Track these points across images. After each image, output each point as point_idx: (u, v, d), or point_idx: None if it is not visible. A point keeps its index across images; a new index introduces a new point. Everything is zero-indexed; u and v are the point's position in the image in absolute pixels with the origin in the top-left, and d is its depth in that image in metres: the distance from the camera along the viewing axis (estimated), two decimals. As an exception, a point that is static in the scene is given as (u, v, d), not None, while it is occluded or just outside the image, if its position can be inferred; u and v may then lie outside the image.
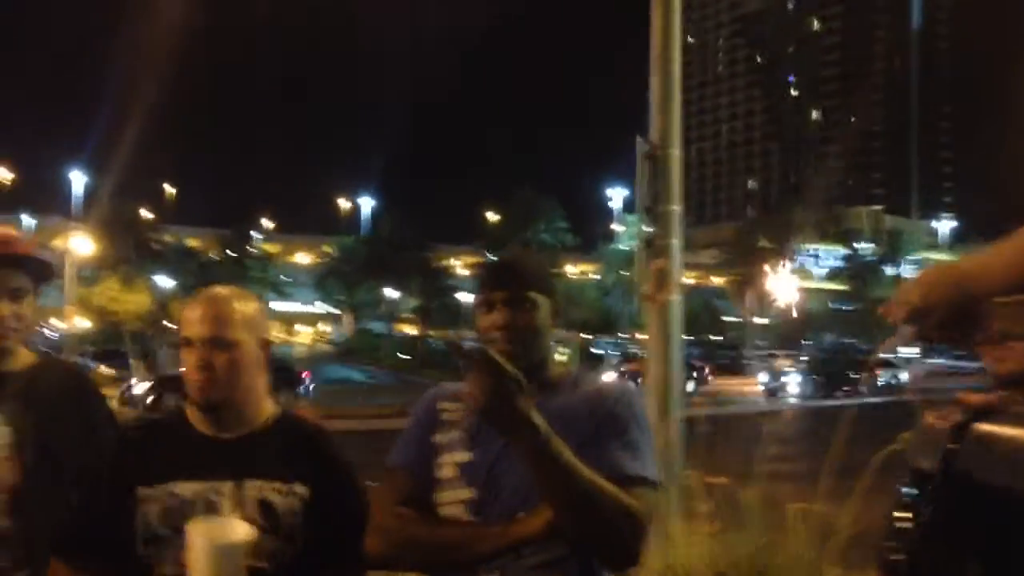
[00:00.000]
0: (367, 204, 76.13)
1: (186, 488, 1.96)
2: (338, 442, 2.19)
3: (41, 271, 2.35)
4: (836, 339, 57.72)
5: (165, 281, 48.36)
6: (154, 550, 1.93)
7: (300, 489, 2.01)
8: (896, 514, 1.48)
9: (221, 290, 2.12)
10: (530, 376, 1.98)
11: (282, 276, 63.61)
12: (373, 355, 53.64)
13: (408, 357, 52.81)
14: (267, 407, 2.12)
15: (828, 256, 73.45)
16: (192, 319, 2.02)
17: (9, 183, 63.17)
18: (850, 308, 59.57)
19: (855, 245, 71.70)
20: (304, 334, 72.47)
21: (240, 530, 1.83)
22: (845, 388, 32.43)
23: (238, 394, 2.03)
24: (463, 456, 1.96)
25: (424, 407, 2.08)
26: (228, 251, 58.75)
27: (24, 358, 2.34)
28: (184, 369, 2.02)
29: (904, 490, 1.52)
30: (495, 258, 2.20)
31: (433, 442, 2.00)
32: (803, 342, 54.61)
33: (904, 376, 34.73)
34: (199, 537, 1.78)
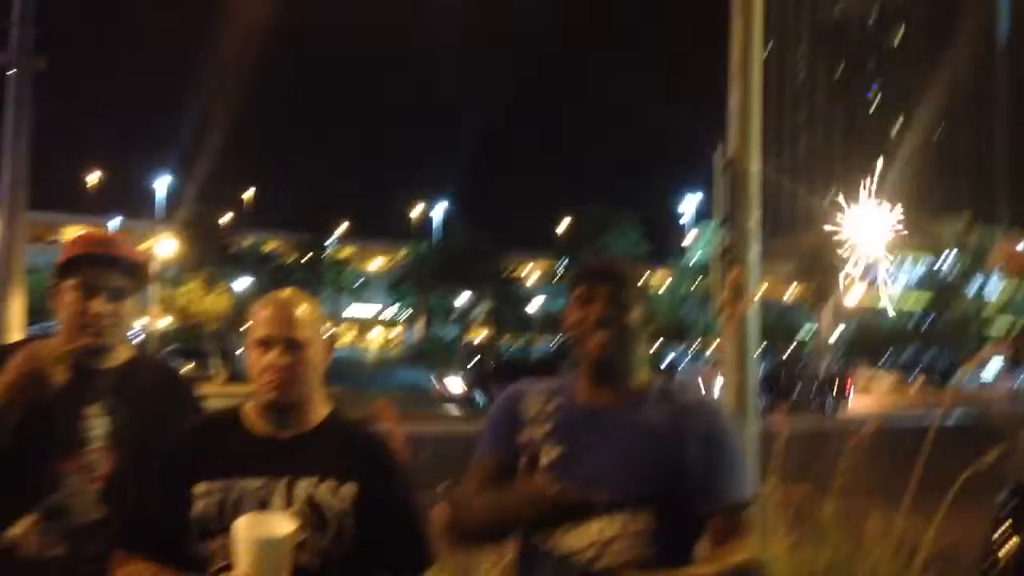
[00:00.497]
0: (441, 210, 76.79)
1: (240, 485, 2.01)
2: (388, 442, 2.22)
3: (137, 272, 2.44)
4: (916, 353, 56.33)
5: (243, 283, 49.43)
6: (208, 545, 1.98)
7: (350, 488, 2.04)
8: (998, 530, 1.46)
9: (289, 293, 2.16)
10: (617, 382, 2.00)
11: (356, 280, 64.48)
12: (444, 360, 53.97)
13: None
14: (321, 407, 2.15)
15: (912, 267, 71.63)
16: (265, 320, 2.06)
17: (99, 187, 65.28)
18: (931, 321, 58.01)
19: (940, 256, 69.77)
20: (376, 338, 73.31)
21: (283, 525, 1.85)
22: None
23: (304, 394, 2.08)
24: (552, 451, 1.98)
25: (504, 406, 2.10)
26: (304, 255, 59.79)
27: (122, 355, 2.43)
28: (255, 369, 2.05)
29: (1006, 505, 1.49)
30: (592, 259, 2.21)
31: (519, 440, 2.02)
32: (884, 355, 53.42)
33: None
34: (242, 531, 1.81)
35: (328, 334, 2.16)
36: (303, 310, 2.09)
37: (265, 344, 2.04)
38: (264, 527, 1.83)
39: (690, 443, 1.95)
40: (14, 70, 7.93)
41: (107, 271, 2.34)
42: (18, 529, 2.22)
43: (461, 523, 2.03)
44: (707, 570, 1.85)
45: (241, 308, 42.48)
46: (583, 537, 1.93)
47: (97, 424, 2.30)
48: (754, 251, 5.61)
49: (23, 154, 8.13)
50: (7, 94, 8.03)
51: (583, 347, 2.00)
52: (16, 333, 7.72)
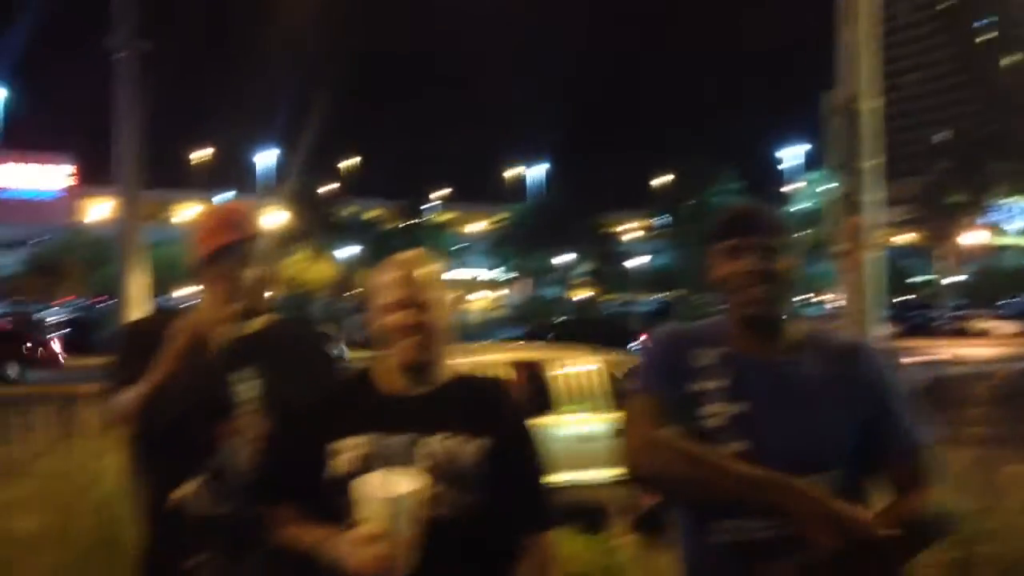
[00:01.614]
0: (540, 171, 76.61)
1: (374, 442, 2.04)
2: (517, 399, 2.23)
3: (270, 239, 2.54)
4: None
5: (347, 252, 50.41)
6: (342, 501, 2.00)
7: (481, 441, 2.06)
8: None
9: (412, 254, 2.19)
10: (776, 334, 1.95)
11: (457, 243, 65.08)
12: (547, 319, 54.11)
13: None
14: (448, 365, 2.19)
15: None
16: (394, 283, 2.10)
17: (207, 163, 67.36)
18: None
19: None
20: (479, 300, 74.03)
21: (409, 481, 1.87)
22: None
23: (436, 352, 2.11)
24: (733, 407, 1.90)
25: (670, 349, 2.01)
26: (405, 221, 60.61)
27: (263, 319, 2.52)
28: (386, 332, 2.09)
29: None
30: (736, 207, 2.06)
31: (691, 390, 1.94)
32: (999, 302, 51.33)
33: None
34: (369, 488, 1.84)
35: (453, 293, 2.19)
36: (426, 271, 2.12)
37: (394, 307, 2.08)
38: (390, 484, 1.85)
39: (864, 392, 1.91)
40: (122, 53, 8.18)
41: (258, 242, 2.45)
42: (184, 491, 2.34)
43: (689, 467, 1.84)
44: (904, 509, 1.82)
45: (346, 276, 43.36)
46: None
47: (248, 387, 2.39)
48: (874, 196, 5.46)
49: (135, 135, 8.40)
50: (117, 77, 8.30)
51: (737, 301, 1.94)
52: (139, 308, 8.05)
